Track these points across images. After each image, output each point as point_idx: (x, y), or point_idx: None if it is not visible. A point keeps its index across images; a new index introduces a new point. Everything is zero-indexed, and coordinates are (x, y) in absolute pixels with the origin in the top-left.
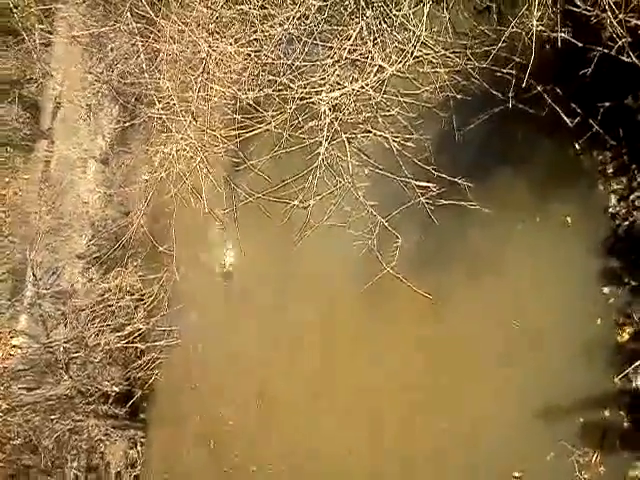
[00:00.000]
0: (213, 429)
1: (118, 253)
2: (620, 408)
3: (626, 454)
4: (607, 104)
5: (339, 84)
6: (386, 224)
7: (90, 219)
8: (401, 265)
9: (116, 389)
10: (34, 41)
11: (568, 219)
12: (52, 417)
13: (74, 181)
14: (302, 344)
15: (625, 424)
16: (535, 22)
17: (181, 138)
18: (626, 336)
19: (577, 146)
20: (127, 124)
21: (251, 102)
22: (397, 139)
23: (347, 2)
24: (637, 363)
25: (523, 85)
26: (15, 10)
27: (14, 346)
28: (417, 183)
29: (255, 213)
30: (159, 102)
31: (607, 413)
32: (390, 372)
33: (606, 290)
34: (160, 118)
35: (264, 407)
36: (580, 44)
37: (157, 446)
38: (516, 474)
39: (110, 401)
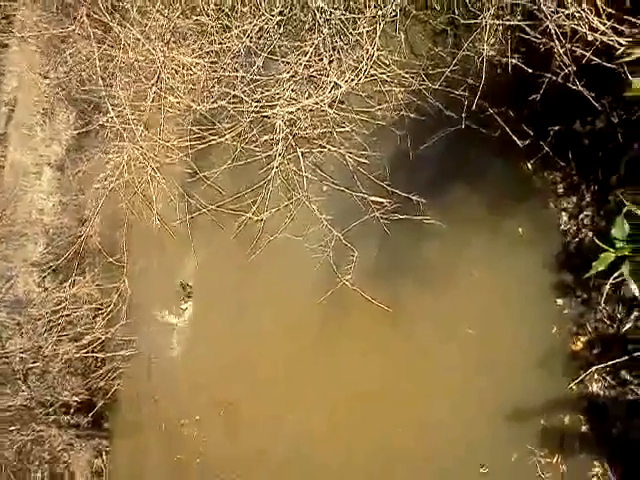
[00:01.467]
0: (176, 439)
1: (74, 262)
2: (578, 412)
3: (584, 455)
4: (556, 128)
5: (294, 99)
6: (342, 238)
7: (45, 227)
8: (358, 278)
9: (77, 399)
10: None
11: (520, 230)
12: (12, 428)
13: (28, 188)
14: (261, 355)
15: (583, 427)
16: (486, 47)
17: (133, 147)
18: (580, 345)
19: (529, 166)
20: (82, 130)
21: (206, 114)
22: (352, 155)
23: (305, 18)
24: (590, 370)
25: (473, 107)
26: None
27: None
28: (372, 198)
29: (210, 225)
30: (112, 110)
31: (566, 417)
32: (348, 379)
33: (560, 302)
34: (113, 126)
35: (227, 416)
36: (530, 70)
37: (122, 455)
38: (482, 470)
39: (72, 411)
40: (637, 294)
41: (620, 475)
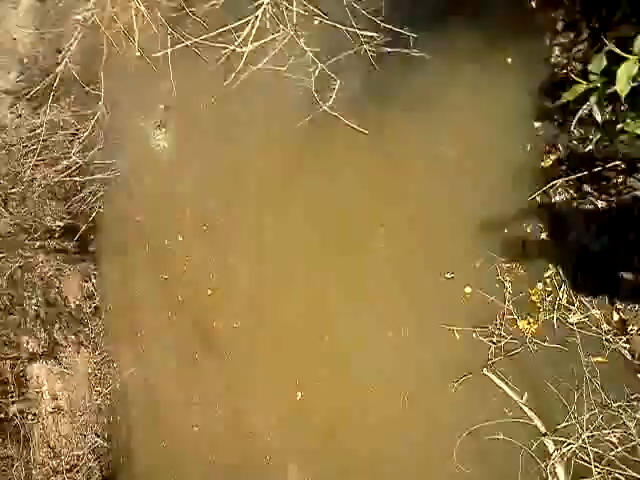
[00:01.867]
0: (162, 258)
1: (49, 90)
2: (539, 221)
3: (541, 260)
4: None
5: None
6: (325, 68)
7: (19, 55)
8: (341, 106)
9: (60, 224)
10: None
11: (509, 60)
12: None
13: (3, 16)
14: (241, 178)
15: (542, 235)
16: None
17: None
18: (550, 162)
19: (533, 3)
20: None
21: None
22: None
23: None
24: (555, 182)
25: None
26: None
27: None
28: (363, 32)
29: (193, 58)
30: None
31: (528, 227)
32: (325, 198)
33: (537, 124)
34: None
35: (210, 232)
36: None
37: (110, 278)
38: (448, 275)
39: (57, 236)
40: (599, 120)
41: (570, 275)
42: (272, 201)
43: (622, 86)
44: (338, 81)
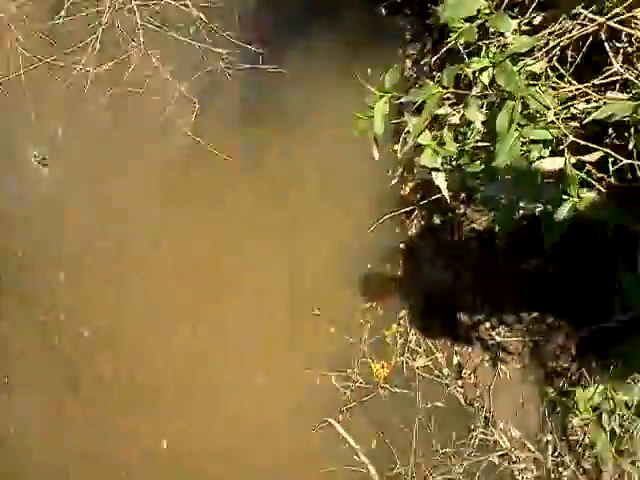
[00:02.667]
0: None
1: None
2: (397, 256)
3: (398, 300)
4: None
5: None
6: (183, 90)
7: None
8: (205, 130)
9: None
10: None
11: (369, 71)
12: None
13: None
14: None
15: (399, 272)
16: None
17: None
18: (408, 189)
19: (383, 10)
20: None
21: None
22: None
23: None
24: (409, 210)
25: None
26: None
27: None
28: (215, 50)
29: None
30: None
31: (388, 265)
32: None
33: (396, 147)
34: None
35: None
36: None
37: None
38: (316, 311)
39: None
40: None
41: (419, 316)
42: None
43: (377, 125)
44: (197, 104)
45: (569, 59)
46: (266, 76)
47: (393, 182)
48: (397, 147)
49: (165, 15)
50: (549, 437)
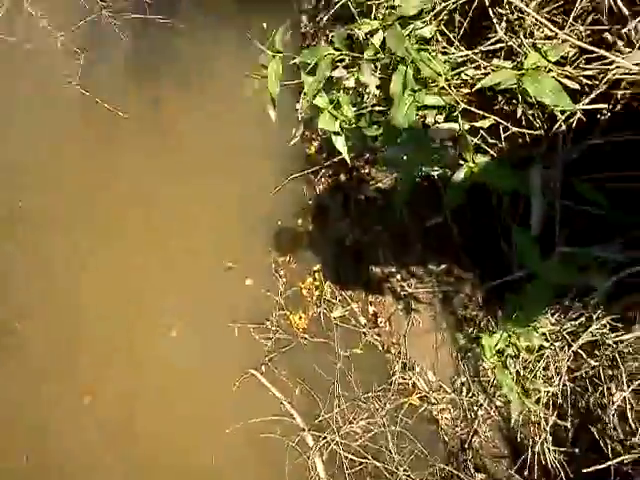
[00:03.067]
0: None
1: None
2: (307, 213)
3: (311, 254)
4: None
5: None
6: (63, 39)
7: None
8: (97, 84)
9: None
10: None
11: (264, 25)
12: None
13: None
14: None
15: (310, 227)
16: None
17: None
18: (313, 149)
19: None
20: None
21: None
22: None
23: None
24: (316, 170)
25: None
26: None
27: None
28: None
29: None
30: None
31: (298, 219)
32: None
33: (297, 105)
34: None
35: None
36: None
37: None
38: (229, 264)
39: None
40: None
41: (333, 269)
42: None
43: (271, 85)
44: (82, 55)
45: (456, 24)
46: (156, 27)
47: (293, 141)
48: (298, 106)
49: None
50: (463, 379)
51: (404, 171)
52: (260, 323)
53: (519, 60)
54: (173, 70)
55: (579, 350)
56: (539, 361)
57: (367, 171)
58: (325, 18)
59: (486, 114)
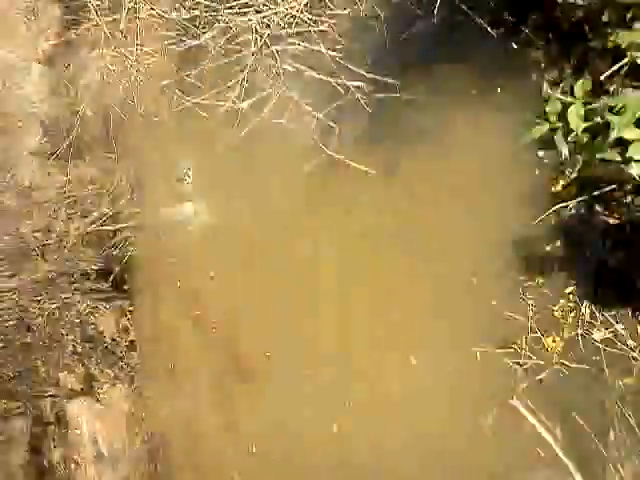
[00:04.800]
0: (194, 295)
1: (75, 147)
2: (557, 240)
3: (562, 277)
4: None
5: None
6: (320, 116)
7: (39, 118)
8: (347, 151)
9: (95, 267)
10: None
11: (498, 89)
12: (39, 298)
13: (18, 83)
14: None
15: (561, 253)
16: None
17: (114, 49)
18: (559, 186)
19: (514, 45)
20: (68, 26)
21: (182, 20)
22: (330, 49)
23: None
24: (567, 204)
25: None
26: None
27: None
28: (350, 83)
29: (195, 118)
30: (97, 13)
31: (548, 246)
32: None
33: (541, 153)
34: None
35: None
36: None
37: (144, 313)
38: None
39: (92, 278)
40: (566, 154)
41: (591, 291)
42: (297, 240)
43: (574, 124)
44: (337, 126)
45: None
46: (401, 103)
47: (544, 180)
48: (541, 153)
49: (302, 56)
50: None
51: None
52: (508, 347)
53: None
54: (412, 135)
55: None
56: None
57: (630, 200)
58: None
59: None
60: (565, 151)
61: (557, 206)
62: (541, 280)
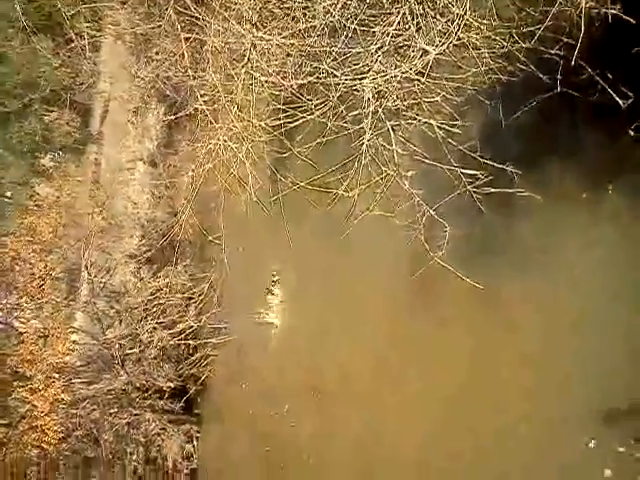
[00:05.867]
0: (266, 428)
1: (168, 253)
2: None
3: None
4: None
5: (383, 71)
6: (434, 214)
7: (139, 220)
8: (450, 255)
9: (171, 385)
10: (82, 43)
11: (610, 191)
12: (111, 411)
13: (124, 183)
14: (352, 337)
15: None
16: None
17: (227, 129)
18: None
19: (631, 132)
20: (172, 117)
21: (295, 92)
22: (442, 126)
23: None
24: None
25: (571, 65)
26: (63, 10)
27: (73, 342)
28: (464, 171)
29: (301, 203)
30: (202, 96)
31: None
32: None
33: None
34: (205, 111)
35: (319, 403)
36: (632, 21)
37: (212, 442)
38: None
39: (165, 396)
40: None
41: None
42: (386, 364)
43: None
44: (448, 228)
45: None
46: (509, 200)
47: None
48: None
49: (414, 139)
50: None
51: None
52: None
53: None
54: (517, 249)
55: None
56: None
57: None
58: None
59: None
60: None
61: None
62: None
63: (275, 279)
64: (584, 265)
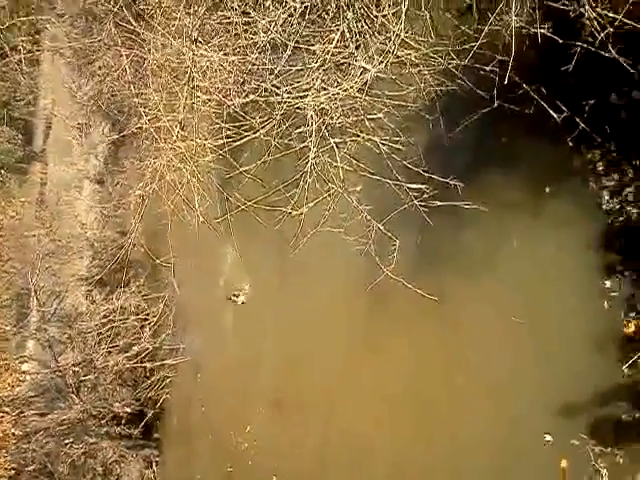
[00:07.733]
0: (227, 449)
1: (120, 274)
2: (631, 399)
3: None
4: (591, 101)
5: (324, 88)
6: (382, 228)
7: (89, 240)
8: (401, 267)
9: (128, 410)
10: (18, 58)
11: (547, 191)
12: (66, 441)
13: (70, 202)
14: (310, 350)
15: (638, 415)
16: (514, 17)
17: (170, 149)
18: (632, 327)
19: (570, 143)
20: (116, 136)
21: (238, 110)
22: (386, 142)
23: (329, 5)
24: None
25: (505, 82)
26: None
27: (23, 372)
28: (409, 185)
29: (250, 221)
30: (146, 115)
31: (620, 404)
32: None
33: (608, 284)
34: (148, 130)
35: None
36: (560, 40)
37: (171, 465)
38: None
39: (123, 422)
40: None
41: None
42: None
43: None
44: (397, 241)
45: None
46: (455, 212)
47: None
48: (608, 283)
49: (359, 155)
50: None
51: None
52: None
53: None
54: (464, 257)
55: None
56: None
57: None
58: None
59: None
60: None
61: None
62: (616, 448)
63: (231, 297)
64: (528, 263)
